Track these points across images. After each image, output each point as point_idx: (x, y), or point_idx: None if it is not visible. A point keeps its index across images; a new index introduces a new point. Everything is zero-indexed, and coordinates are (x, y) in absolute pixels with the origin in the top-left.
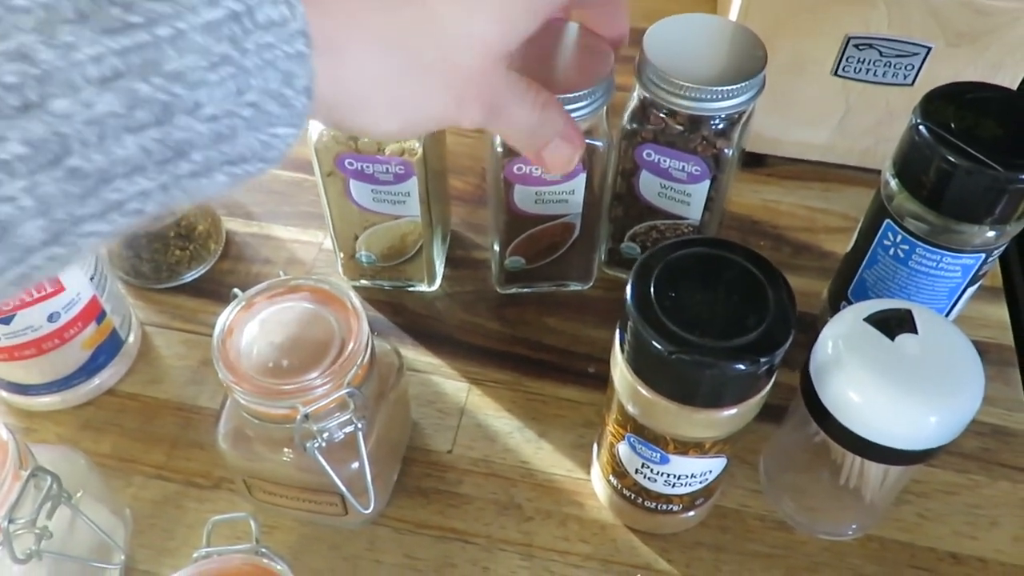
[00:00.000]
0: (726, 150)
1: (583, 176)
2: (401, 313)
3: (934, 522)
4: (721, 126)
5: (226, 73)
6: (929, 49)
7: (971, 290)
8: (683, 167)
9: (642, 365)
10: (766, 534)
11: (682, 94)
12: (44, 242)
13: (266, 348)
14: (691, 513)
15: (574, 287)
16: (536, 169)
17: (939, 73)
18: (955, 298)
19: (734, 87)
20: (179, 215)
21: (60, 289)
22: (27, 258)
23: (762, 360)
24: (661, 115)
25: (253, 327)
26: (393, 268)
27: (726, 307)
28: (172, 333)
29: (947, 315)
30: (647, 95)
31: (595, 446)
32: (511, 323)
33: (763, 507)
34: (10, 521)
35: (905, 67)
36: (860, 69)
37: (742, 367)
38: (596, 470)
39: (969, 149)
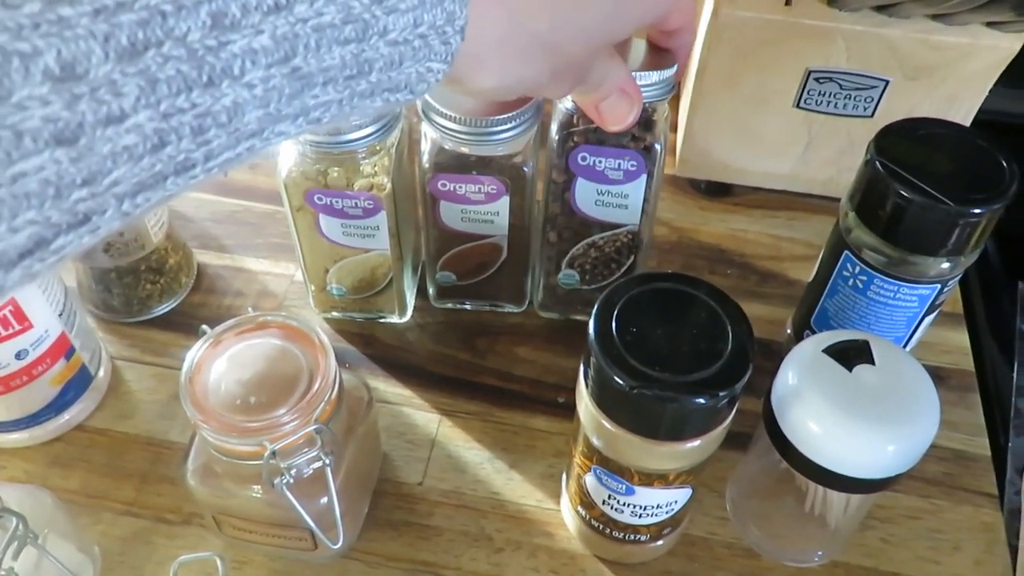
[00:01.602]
0: (655, 143)
1: (506, 198)
2: (372, 344)
3: (898, 547)
4: (643, 120)
5: (411, 4)
6: (887, 82)
7: (929, 318)
8: (619, 164)
9: (605, 399)
10: (733, 562)
11: None
12: (253, 133)
13: (234, 385)
14: (659, 542)
15: (509, 308)
16: (460, 187)
17: (897, 105)
18: (914, 326)
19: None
20: (149, 249)
21: (28, 326)
22: (237, 145)
23: (721, 394)
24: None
25: (221, 364)
26: (364, 300)
27: (686, 342)
28: (143, 367)
29: (907, 343)
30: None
31: (564, 476)
32: (481, 353)
33: (730, 535)
34: None
35: (865, 99)
36: (821, 101)
37: (702, 401)
38: (565, 500)
39: (922, 184)
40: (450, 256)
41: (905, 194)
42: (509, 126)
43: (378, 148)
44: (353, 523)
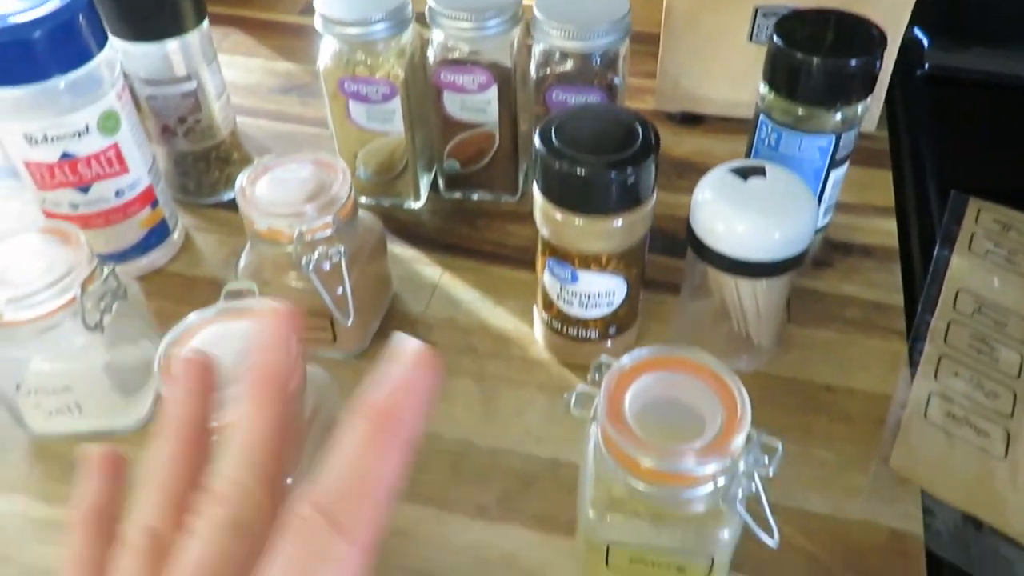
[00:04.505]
0: (615, 79)
1: (495, 88)
2: (393, 221)
3: (814, 365)
4: (605, 61)
5: None
6: None
7: (836, 173)
8: (586, 100)
9: (548, 186)
10: None
11: (573, 37)
12: None
13: (276, 193)
14: (608, 343)
15: (505, 198)
16: (458, 78)
17: None
18: (821, 180)
19: (611, 24)
20: (219, 139)
21: (126, 170)
22: None
23: (629, 170)
24: (556, 59)
25: (264, 183)
26: (387, 184)
27: (607, 140)
28: (210, 235)
29: (819, 197)
30: (545, 46)
31: (535, 305)
32: (481, 229)
33: None
34: (83, 293)
35: None
36: None
37: (614, 174)
38: (536, 320)
39: (811, 50)
40: (454, 144)
41: (799, 56)
42: (493, 23)
43: (393, 44)
44: (364, 326)
